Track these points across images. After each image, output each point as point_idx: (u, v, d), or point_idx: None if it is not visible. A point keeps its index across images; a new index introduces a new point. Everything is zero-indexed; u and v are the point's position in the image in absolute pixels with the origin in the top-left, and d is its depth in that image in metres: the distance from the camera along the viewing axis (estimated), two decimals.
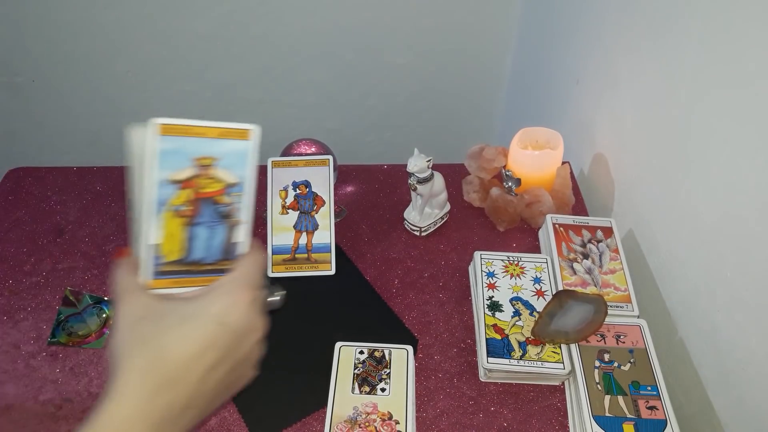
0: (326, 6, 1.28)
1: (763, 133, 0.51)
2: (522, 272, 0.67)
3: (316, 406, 0.60)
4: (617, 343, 0.60)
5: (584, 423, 0.54)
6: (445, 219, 0.79)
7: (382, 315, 0.69)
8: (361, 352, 0.62)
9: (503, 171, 0.78)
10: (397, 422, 0.56)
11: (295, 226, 0.72)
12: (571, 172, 0.82)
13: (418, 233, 0.77)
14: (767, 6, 0.49)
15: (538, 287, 0.66)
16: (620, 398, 0.56)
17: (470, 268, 0.72)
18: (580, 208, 0.81)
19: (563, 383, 0.62)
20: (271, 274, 0.71)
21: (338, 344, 0.62)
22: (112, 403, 0.35)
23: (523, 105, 1.37)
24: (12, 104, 1.42)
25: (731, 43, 0.54)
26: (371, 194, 0.84)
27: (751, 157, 0.53)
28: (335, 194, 0.82)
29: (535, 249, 0.76)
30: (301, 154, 0.79)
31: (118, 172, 0.86)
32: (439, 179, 0.74)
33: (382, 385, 0.59)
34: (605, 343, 0.60)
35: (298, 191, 0.74)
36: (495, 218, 0.79)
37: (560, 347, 0.60)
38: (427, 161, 0.69)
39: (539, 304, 0.64)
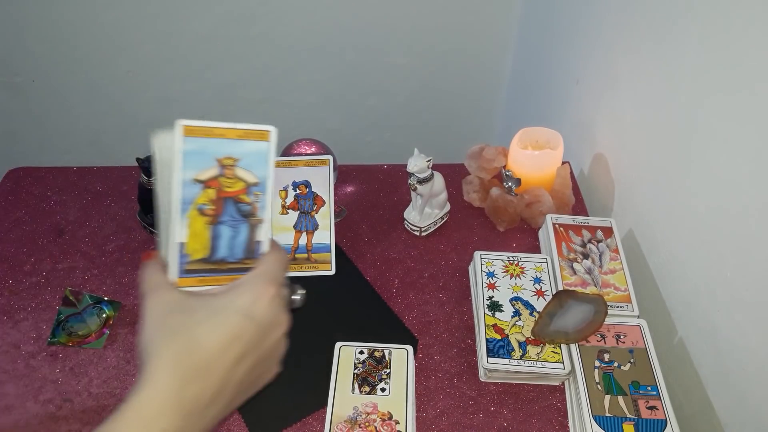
0: (326, 6, 1.28)
1: (763, 133, 0.51)
2: (522, 272, 0.67)
3: (316, 406, 0.60)
4: (617, 343, 0.60)
5: (584, 423, 0.54)
6: (445, 219, 0.79)
7: (382, 315, 0.69)
8: (361, 352, 0.62)
9: (503, 171, 0.78)
10: (397, 422, 0.56)
11: (295, 226, 0.72)
12: (571, 172, 0.82)
13: (418, 233, 0.77)
14: (767, 6, 0.49)
15: (538, 287, 0.66)
16: (620, 398, 0.56)
17: (470, 268, 0.72)
18: (580, 208, 0.81)
19: (563, 383, 0.62)
20: None
21: (338, 344, 0.62)
22: (143, 392, 0.36)
23: (523, 105, 1.37)
24: (12, 104, 1.42)
25: (731, 43, 0.54)
26: (371, 194, 0.84)
27: (751, 157, 0.53)
28: (335, 194, 0.82)
29: (535, 249, 0.76)
30: (301, 154, 0.79)
31: (118, 172, 0.86)
32: (439, 179, 0.74)
33: (382, 385, 0.59)
34: (605, 343, 0.60)
35: (298, 191, 0.74)
36: (495, 218, 0.79)
37: (560, 347, 0.60)
38: (427, 161, 0.69)
39: (539, 304, 0.64)
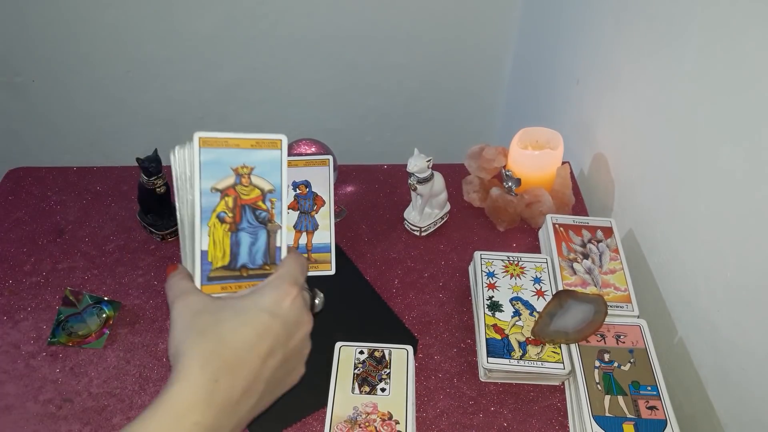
0: (326, 6, 1.28)
1: (763, 132, 0.51)
2: (522, 272, 0.67)
3: (316, 406, 0.60)
4: (617, 343, 0.60)
5: (584, 423, 0.54)
6: (445, 219, 0.79)
7: (382, 315, 0.69)
8: (361, 352, 0.62)
9: (503, 171, 0.78)
10: (397, 422, 0.56)
11: (295, 226, 0.72)
12: (571, 172, 0.82)
13: (418, 233, 0.77)
14: (767, 5, 0.49)
15: (538, 287, 0.66)
16: (620, 398, 0.56)
17: (470, 268, 0.72)
18: (580, 208, 0.81)
19: (563, 383, 0.62)
20: None
21: (338, 344, 0.62)
22: (175, 387, 0.37)
23: (523, 105, 1.37)
24: (12, 104, 1.42)
25: (731, 43, 0.54)
26: (371, 194, 0.84)
27: (751, 157, 0.53)
28: (335, 194, 0.82)
29: (535, 249, 0.76)
30: (301, 154, 0.79)
31: (118, 172, 0.86)
32: (439, 179, 0.74)
33: (382, 385, 0.59)
34: (605, 343, 0.60)
35: (298, 191, 0.74)
36: (495, 218, 0.79)
37: (560, 347, 0.60)
38: (427, 161, 0.69)
39: (539, 304, 0.64)
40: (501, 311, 0.63)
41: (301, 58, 1.37)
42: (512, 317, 0.63)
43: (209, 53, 1.34)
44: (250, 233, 0.45)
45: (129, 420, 0.59)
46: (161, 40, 1.31)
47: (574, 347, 0.60)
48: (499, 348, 0.60)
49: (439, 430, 0.59)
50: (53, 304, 0.69)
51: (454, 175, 0.84)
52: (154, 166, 0.70)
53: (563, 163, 0.81)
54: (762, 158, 0.51)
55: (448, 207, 0.78)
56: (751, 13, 0.51)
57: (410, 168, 0.70)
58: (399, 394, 0.58)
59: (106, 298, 0.69)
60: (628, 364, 0.58)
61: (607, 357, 0.59)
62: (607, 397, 0.56)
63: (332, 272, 0.71)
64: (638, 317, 0.63)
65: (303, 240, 0.72)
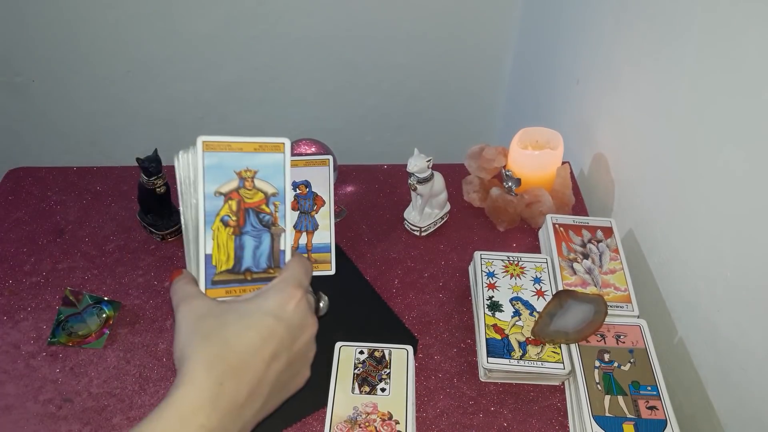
0: (326, 6, 1.28)
1: (763, 132, 0.51)
2: (522, 272, 0.67)
3: (316, 406, 0.60)
4: (617, 343, 0.60)
5: (584, 423, 0.54)
6: (445, 219, 0.79)
7: (382, 315, 0.69)
8: (361, 352, 0.62)
9: (503, 171, 0.78)
10: (397, 422, 0.56)
11: (295, 226, 0.72)
12: (571, 172, 0.82)
13: (418, 233, 0.77)
14: (767, 6, 0.49)
15: (538, 287, 0.66)
16: (620, 398, 0.56)
17: (470, 268, 0.72)
18: (580, 208, 0.81)
19: (563, 383, 0.62)
20: None
21: (338, 344, 0.62)
22: (179, 391, 0.37)
23: (523, 105, 1.37)
24: (12, 104, 1.42)
25: (732, 43, 0.54)
26: (371, 194, 0.84)
27: (751, 157, 0.53)
28: (335, 194, 0.82)
29: (535, 249, 0.76)
30: (301, 154, 0.79)
31: (118, 172, 0.86)
32: (439, 179, 0.74)
33: (382, 385, 0.59)
34: (605, 343, 0.60)
35: (298, 191, 0.74)
36: (495, 218, 0.79)
37: (560, 347, 0.60)
38: (427, 161, 0.69)
39: (539, 304, 0.64)
40: (501, 311, 0.63)
41: (301, 58, 1.37)
42: (512, 317, 0.63)
43: (209, 53, 1.34)
44: (254, 237, 0.45)
45: (129, 420, 0.59)
46: (161, 40, 1.31)
47: (574, 347, 0.60)
48: (499, 348, 0.60)
49: (439, 430, 0.59)
50: (53, 304, 0.69)
51: (454, 175, 0.84)
52: (154, 166, 0.70)
53: (563, 163, 0.81)
54: (762, 158, 0.51)
55: (448, 207, 0.78)
56: (751, 13, 0.51)
57: (410, 168, 0.70)
58: (399, 394, 0.58)
59: (106, 298, 0.69)
60: (628, 364, 0.58)
61: (607, 357, 0.59)
62: (607, 397, 0.56)
63: (332, 272, 0.71)
64: (638, 317, 0.63)
65: (303, 240, 0.72)
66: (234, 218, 0.44)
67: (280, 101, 1.46)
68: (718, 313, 0.59)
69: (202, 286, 0.44)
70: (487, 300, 0.64)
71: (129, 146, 1.48)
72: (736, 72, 0.54)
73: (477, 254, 0.69)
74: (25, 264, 0.74)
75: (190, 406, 0.36)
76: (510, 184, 0.77)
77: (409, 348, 0.62)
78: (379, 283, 0.72)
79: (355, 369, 0.60)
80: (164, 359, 0.65)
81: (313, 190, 0.74)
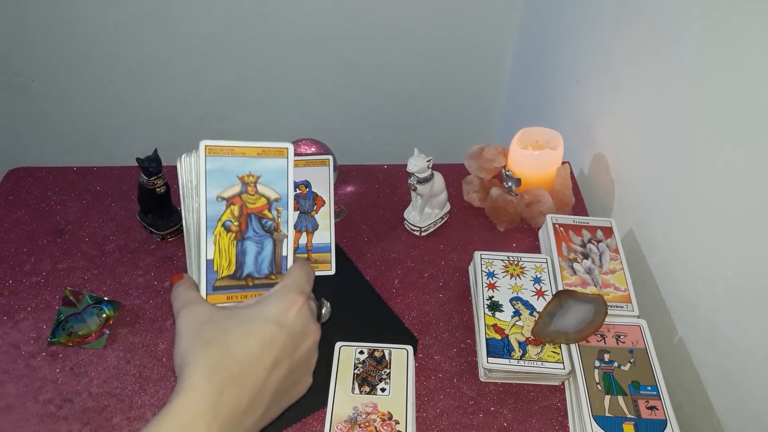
0: (326, 6, 1.28)
1: (763, 132, 0.51)
2: (522, 272, 0.67)
3: (316, 406, 0.60)
4: (617, 343, 0.60)
5: (584, 423, 0.54)
6: (445, 219, 0.79)
7: (382, 315, 0.69)
8: (361, 352, 0.62)
9: (503, 171, 0.78)
10: (397, 422, 0.56)
11: (295, 226, 0.72)
12: (571, 172, 0.82)
13: (418, 233, 0.77)
14: (767, 6, 0.49)
15: (538, 287, 0.66)
16: (620, 398, 0.56)
17: (470, 268, 0.72)
18: (580, 208, 0.81)
19: (563, 383, 0.62)
20: None
21: (338, 344, 0.62)
22: (180, 399, 0.37)
23: (523, 105, 1.37)
24: (12, 104, 1.42)
25: (732, 43, 0.54)
26: (371, 194, 0.84)
27: (751, 157, 0.53)
28: (335, 194, 0.82)
29: (535, 249, 0.76)
30: (301, 154, 0.79)
31: (118, 172, 0.86)
32: (439, 179, 0.74)
33: (382, 385, 0.59)
34: (605, 343, 0.60)
35: (298, 191, 0.74)
36: (495, 218, 0.79)
37: (560, 347, 0.60)
38: (427, 161, 0.69)
39: (539, 304, 0.64)
40: (501, 311, 0.63)
41: (301, 58, 1.37)
42: (512, 317, 0.63)
43: (209, 53, 1.35)
44: (256, 242, 0.45)
45: (129, 420, 0.59)
46: (161, 40, 1.31)
47: (574, 347, 0.60)
48: (499, 348, 0.60)
49: (439, 430, 0.59)
50: (53, 304, 0.69)
51: (454, 175, 0.84)
52: (154, 166, 0.70)
53: (563, 163, 0.81)
54: (762, 158, 0.51)
55: (448, 207, 0.78)
56: (751, 13, 0.51)
57: (410, 168, 0.70)
58: (399, 394, 0.58)
59: (106, 298, 0.69)
60: (628, 364, 0.58)
61: (607, 357, 0.59)
62: (607, 397, 0.56)
63: (332, 272, 0.71)
64: (638, 317, 0.63)
65: (303, 240, 0.72)
66: (236, 223, 0.44)
67: (280, 101, 1.46)
68: (718, 313, 0.59)
69: (203, 292, 0.44)
70: (487, 300, 0.64)
71: (129, 146, 1.48)
72: (737, 72, 0.54)
73: (477, 254, 0.69)
74: (25, 264, 0.74)
75: (191, 413, 0.36)
76: (510, 184, 0.77)
77: (409, 348, 0.62)
78: (379, 283, 0.72)
79: (355, 369, 0.60)
80: (164, 359, 0.65)
81: (313, 190, 0.74)
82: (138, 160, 0.70)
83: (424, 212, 0.76)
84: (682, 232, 0.65)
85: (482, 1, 1.29)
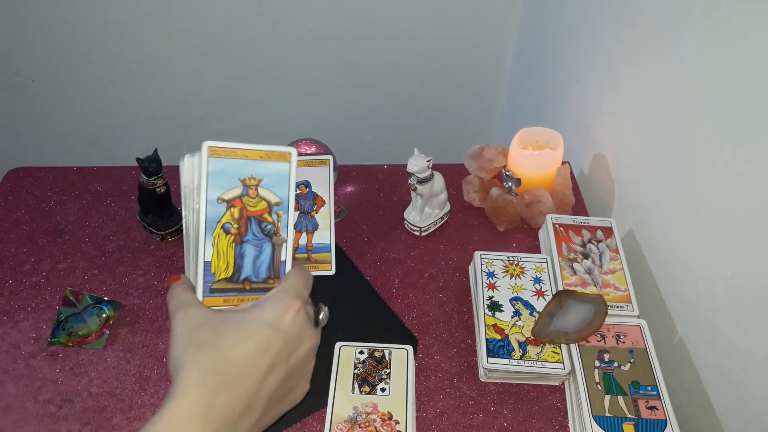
0: (326, 6, 1.28)
1: (763, 132, 0.51)
2: (522, 272, 0.67)
3: (316, 406, 0.60)
4: (617, 343, 0.60)
5: (584, 423, 0.54)
6: (445, 219, 0.79)
7: (382, 315, 0.69)
8: (361, 352, 0.62)
9: (503, 171, 0.78)
10: (397, 422, 0.56)
11: (295, 226, 0.72)
12: (571, 172, 0.82)
13: (418, 233, 0.77)
14: (767, 6, 0.49)
15: (538, 287, 0.66)
16: (620, 398, 0.56)
17: (470, 268, 0.72)
18: (580, 208, 0.81)
19: (563, 383, 0.62)
20: None
21: (338, 344, 0.62)
22: (173, 403, 0.36)
23: (523, 105, 1.37)
24: (12, 104, 1.42)
25: (732, 43, 0.54)
26: (371, 194, 0.84)
27: (751, 157, 0.53)
28: (335, 194, 0.82)
29: (535, 249, 0.76)
30: (301, 154, 0.79)
31: (118, 172, 0.86)
32: (439, 179, 0.74)
33: (382, 385, 0.59)
34: (605, 343, 0.60)
35: (298, 191, 0.74)
36: (495, 218, 0.79)
37: (560, 347, 0.60)
38: (427, 161, 0.69)
39: (539, 304, 0.64)
40: (501, 311, 0.63)
41: (301, 57, 1.37)
42: (512, 317, 0.63)
43: (209, 53, 1.35)
44: (254, 245, 0.44)
45: (129, 420, 0.59)
46: (161, 40, 1.31)
47: (574, 347, 0.60)
48: (499, 348, 0.60)
49: (439, 430, 0.59)
50: (53, 304, 0.69)
51: (454, 175, 0.84)
52: (154, 166, 0.70)
53: (563, 163, 0.81)
54: (762, 158, 0.51)
55: (448, 207, 0.78)
56: (751, 14, 0.51)
57: (410, 168, 0.70)
58: (399, 394, 0.58)
59: (106, 298, 0.69)
60: (628, 364, 0.58)
61: (607, 357, 0.59)
62: (607, 397, 0.56)
63: (332, 272, 0.71)
64: (638, 317, 0.63)
65: (303, 240, 0.72)
66: (235, 226, 0.44)
67: (280, 101, 1.46)
68: (718, 313, 0.59)
69: (199, 294, 0.43)
70: (487, 300, 0.64)
71: (129, 146, 1.48)
72: (737, 72, 0.54)
73: (477, 254, 0.69)
74: (25, 264, 0.74)
75: (184, 418, 0.36)
76: (510, 184, 0.77)
77: (409, 348, 0.62)
78: (379, 283, 0.72)
79: (355, 369, 0.60)
80: (164, 359, 0.65)
81: (313, 190, 0.74)
82: (138, 160, 0.70)
83: (424, 212, 0.76)
84: (682, 232, 0.65)
85: (482, 1, 1.29)
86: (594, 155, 0.88)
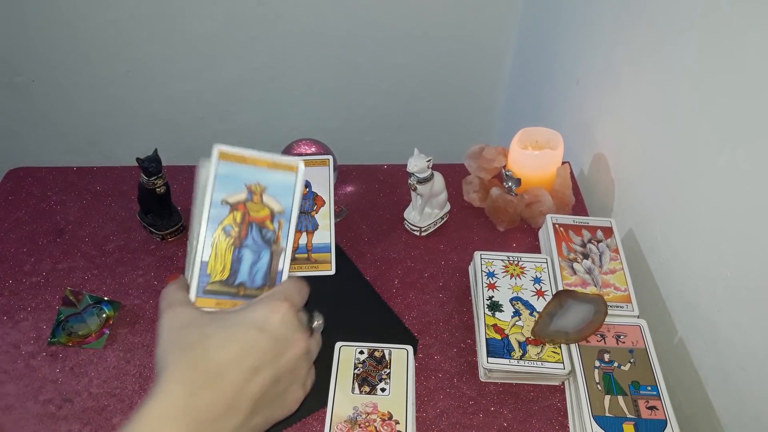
0: (326, 6, 1.28)
1: (763, 132, 0.51)
2: (522, 272, 0.67)
3: (316, 406, 0.60)
4: (617, 343, 0.60)
5: (584, 423, 0.54)
6: (445, 219, 0.79)
7: (382, 315, 0.69)
8: (361, 352, 0.62)
9: (503, 171, 0.78)
10: (397, 422, 0.56)
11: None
12: (571, 172, 0.82)
13: (418, 233, 0.77)
14: (767, 6, 0.49)
15: (538, 287, 0.66)
16: (620, 398, 0.56)
17: (470, 268, 0.72)
18: (580, 208, 0.81)
19: (563, 383, 0.62)
20: None
21: (338, 344, 0.62)
22: (153, 400, 0.36)
23: (523, 105, 1.37)
24: (12, 104, 1.42)
25: (732, 43, 0.54)
26: (371, 194, 0.84)
27: (751, 157, 0.53)
28: (335, 194, 0.82)
29: (535, 249, 0.76)
30: (301, 154, 0.79)
31: (118, 172, 0.86)
32: (439, 179, 0.74)
33: (382, 385, 0.59)
34: (605, 343, 0.60)
35: None
36: (495, 218, 0.79)
37: (560, 347, 0.60)
38: (427, 161, 0.69)
39: (539, 304, 0.64)
40: (501, 311, 0.63)
41: (301, 57, 1.37)
42: (512, 317, 0.63)
43: (209, 53, 1.35)
44: (253, 251, 0.44)
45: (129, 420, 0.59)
46: (161, 40, 1.31)
47: (574, 347, 0.60)
48: (499, 348, 0.60)
49: (439, 430, 0.59)
50: (53, 304, 0.69)
51: (454, 175, 0.84)
52: (154, 166, 0.70)
53: (563, 163, 0.81)
54: (762, 158, 0.51)
55: (448, 207, 0.78)
56: (751, 13, 0.51)
57: (410, 168, 0.70)
58: (399, 394, 0.58)
59: (106, 298, 0.69)
60: (628, 364, 0.58)
61: (607, 357, 0.59)
62: (607, 397, 0.56)
63: (332, 272, 0.71)
64: (638, 317, 0.63)
65: (303, 240, 0.72)
66: (236, 229, 0.44)
67: (280, 101, 1.46)
68: (718, 313, 0.59)
69: (192, 294, 0.43)
70: (487, 300, 0.64)
71: (129, 146, 1.48)
72: (737, 72, 0.54)
73: (477, 254, 0.69)
74: (25, 264, 0.74)
75: (160, 417, 0.36)
76: (510, 184, 0.77)
77: (409, 348, 0.62)
78: (379, 283, 0.72)
79: (355, 369, 0.60)
80: None
81: (313, 190, 0.74)
82: (138, 160, 0.70)
83: (424, 212, 0.76)
84: (682, 232, 0.65)
85: (482, 1, 1.29)
86: (594, 155, 0.88)
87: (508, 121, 1.48)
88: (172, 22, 1.28)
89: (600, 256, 0.68)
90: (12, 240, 0.77)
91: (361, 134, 1.55)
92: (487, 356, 0.59)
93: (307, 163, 0.75)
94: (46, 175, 0.86)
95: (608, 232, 0.71)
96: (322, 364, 0.61)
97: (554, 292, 0.63)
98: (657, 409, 0.55)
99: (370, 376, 0.59)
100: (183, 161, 0.86)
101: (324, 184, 0.74)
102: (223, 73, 1.38)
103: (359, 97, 1.47)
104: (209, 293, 0.44)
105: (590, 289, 0.65)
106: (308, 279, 0.70)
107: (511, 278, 0.66)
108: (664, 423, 0.54)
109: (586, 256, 0.68)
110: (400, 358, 0.61)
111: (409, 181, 0.71)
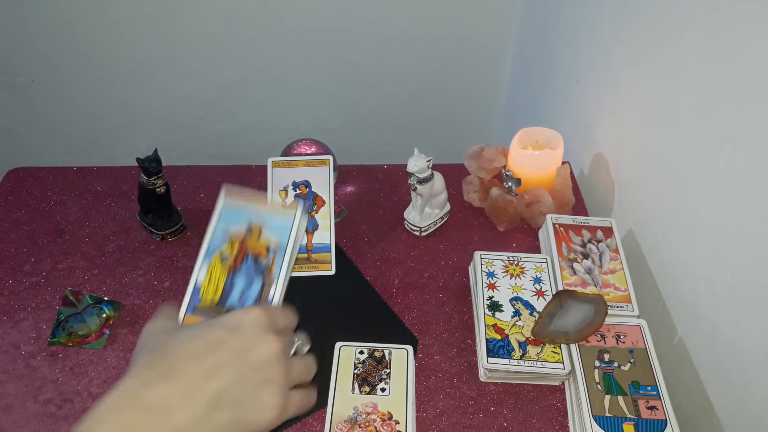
0: (326, 6, 1.28)
1: (763, 133, 0.51)
2: (522, 272, 0.67)
3: (316, 406, 0.60)
4: (617, 343, 0.60)
5: (584, 423, 0.54)
6: (445, 219, 0.79)
7: (382, 315, 0.69)
8: (361, 352, 0.62)
9: (503, 171, 0.78)
10: (397, 422, 0.56)
11: None
12: (571, 172, 0.82)
13: (418, 233, 0.77)
14: (767, 6, 0.49)
15: (538, 287, 0.66)
16: (620, 398, 0.56)
17: (470, 268, 0.72)
18: (580, 208, 0.81)
19: (563, 383, 0.62)
20: None
21: (338, 344, 0.62)
22: (108, 394, 0.37)
23: (523, 105, 1.37)
24: (12, 104, 1.42)
25: (732, 43, 0.54)
26: (371, 194, 0.84)
27: (751, 157, 0.53)
28: (335, 194, 0.82)
29: (535, 249, 0.76)
30: (301, 154, 0.79)
31: (118, 172, 0.86)
32: (439, 179, 0.74)
33: (382, 385, 0.59)
34: (605, 343, 0.60)
35: (298, 191, 0.74)
36: (495, 218, 0.79)
37: (560, 347, 0.60)
38: (427, 161, 0.69)
39: (539, 304, 0.64)
40: (501, 311, 0.63)
41: (301, 57, 1.37)
42: (512, 317, 0.63)
43: (210, 53, 1.35)
44: (246, 277, 0.47)
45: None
46: (161, 40, 1.31)
47: (574, 347, 0.60)
48: (499, 348, 0.60)
49: (439, 430, 0.59)
50: (53, 304, 0.69)
51: (454, 175, 0.84)
52: (154, 166, 0.70)
53: (563, 163, 0.81)
54: (762, 158, 0.51)
55: (448, 207, 0.78)
56: (751, 14, 0.51)
57: (410, 168, 0.70)
58: (399, 394, 0.58)
59: (106, 298, 0.69)
60: (628, 364, 0.58)
61: (607, 357, 0.59)
62: (607, 397, 0.56)
63: (332, 272, 0.71)
64: (638, 317, 0.63)
65: (303, 240, 0.72)
66: (232, 257, 0.47)
67: (280, 101, 1.46)
68: (718, 313, 0.59)
69: (182, 312, 0.46)
70: (487, 300, 0.64)
71: (129, 146, 1.48)
72: (737, 72, 0.54)
73: (477, 254, 0.69)
74: (25, 264, 0.74)
75: (111, 406, 0.37)
76: (510, 184, 0.77)
77: (409, 348, 0.62)
78: (379, 283, 0.72)
79: (355, 369, 0.60)
80: None
81: (313, 190, 0.74)
82: (138, 160, 0.70)
83: (424, 212, 0.76)
84: (682, 232, 0.65)
85: (482, 1, 1.29)
86: (594, 155, 0.88)
87: (508, 121, 1.48)
88: (172, 22, 1.28)
89: (600, 256, 0.68)
90: (12, 240, 0.77)
91: (361, 134, 1.55)
92: (487, 356, 0.59)
93: (307, 163, 0.76)
94: (46, 175, 0.86)
95: (608, 232, 0.71)
96: (322, 365, 0.61)
97: (554, 292, 0.63)
98: (657, 409, 0.55)
99: (370, 376, 0.59)
100: (183, 161, 0.86)
101: (324, 184, 0.74)
102: (223, 73, 1.38)
103: (359, 97, 1.47)
104: (198, 311, 0.46)
105: (590, 289, 0.65)
106: (308, 279, 0.70)
107: (511, 278, 0.66)
108: (664, 423, 0.54)
109: (586, 256, 0.68)
110: (400, 358, 0.61)
111: (409, 181, 0.71)
